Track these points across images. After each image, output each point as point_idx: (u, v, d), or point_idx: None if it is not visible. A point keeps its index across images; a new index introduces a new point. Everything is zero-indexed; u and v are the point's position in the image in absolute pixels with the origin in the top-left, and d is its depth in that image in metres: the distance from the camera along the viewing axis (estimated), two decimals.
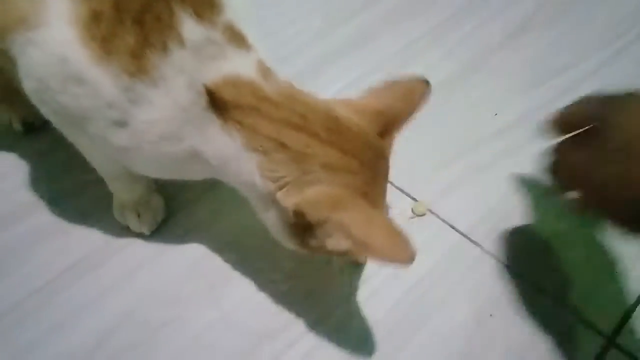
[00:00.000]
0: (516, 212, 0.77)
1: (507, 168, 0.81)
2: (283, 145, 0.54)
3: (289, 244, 0.59)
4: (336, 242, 0.52)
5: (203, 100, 0.55)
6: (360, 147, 0.56)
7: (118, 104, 0.53)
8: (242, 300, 0.68)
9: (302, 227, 0.55)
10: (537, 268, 0.72)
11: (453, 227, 0.75)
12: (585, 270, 0.72)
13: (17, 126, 0.80)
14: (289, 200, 0.54)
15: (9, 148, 0.78)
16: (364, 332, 0.66)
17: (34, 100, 0.58)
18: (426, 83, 0.61)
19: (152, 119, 0.54)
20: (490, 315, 0.68)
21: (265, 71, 0.57)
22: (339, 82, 0.89)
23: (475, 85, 0.92)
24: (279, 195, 0.55)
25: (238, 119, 0.54)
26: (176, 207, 0.74)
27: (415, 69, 0.88)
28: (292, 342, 0.65)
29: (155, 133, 0.55)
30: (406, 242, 0.51)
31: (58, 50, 0.52)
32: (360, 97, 0.61)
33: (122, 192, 0.70)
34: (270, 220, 0.59)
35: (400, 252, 0.52)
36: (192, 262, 0.70)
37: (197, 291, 0.68)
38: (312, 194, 0.53)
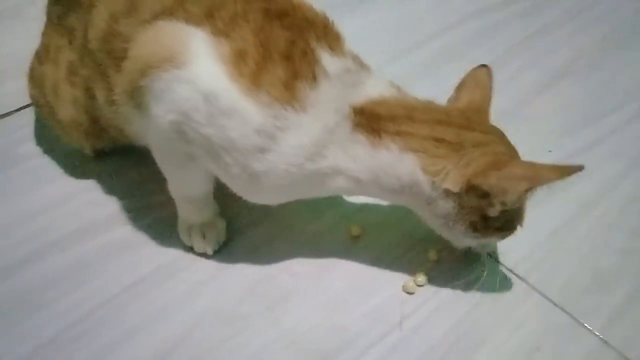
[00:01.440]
0: (562, 248, 0.80)
1: (554, 204, 0.84)
2: (440, 140, 0.63)
3: (459, 234, 0.66)
4: (515, 191, 0.61)
5: (349, 123, 0.62)
6: (489, 126, 0.67)
7: (266, 131, 0.58)
8: (300, 320, 0.70)
9: (476, 202, 0.62)
10: (583, 304, 0.74)
11: (499, 262, 0.78)
12: (631, 309, 0.74)
13: (88, 151, 0.83)
14: (456, 183, 0.62)
15: (79, 170, 0.84)
16: (421, 355, 0.68)
17: (168, 131, 0.61)
18: (484, 66, 0.71)
19: (300, 143, 0.60)
20: (538, 348, 0.70)
21: (398, 87, 0.66)
22: None
23: (525, 121, 0.97)
24: (446, 184, 0.62)
25: (394, 129, 0.62)
26: (237, 230, 0.78)
27: None
28: None
29: (302, 155, 0.60)
30: (564, 165, 0.61)
31: (206, 86, 0.57)
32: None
33: (191, 214, 0.74)
34: (437, 214, 0.65)
35: (567, 167, 0.61)
36: (251, 282, 0.73)
37: (255, 310, 0.71)
38: (475, 167, 0.62)
